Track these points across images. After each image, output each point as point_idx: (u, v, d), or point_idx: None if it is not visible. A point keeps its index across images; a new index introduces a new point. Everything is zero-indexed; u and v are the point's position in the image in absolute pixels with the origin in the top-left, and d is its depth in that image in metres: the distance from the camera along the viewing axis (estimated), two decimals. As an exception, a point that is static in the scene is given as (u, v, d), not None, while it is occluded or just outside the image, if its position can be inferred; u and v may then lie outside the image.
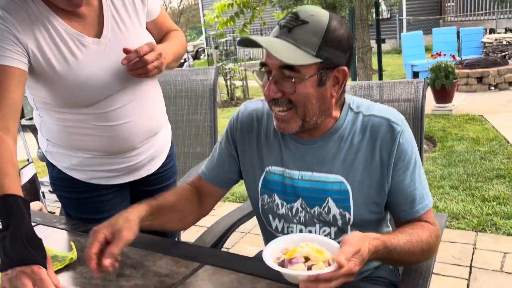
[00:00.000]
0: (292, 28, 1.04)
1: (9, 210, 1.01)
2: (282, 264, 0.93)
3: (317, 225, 1.19)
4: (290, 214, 1.21)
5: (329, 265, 0.90)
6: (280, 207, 1.22)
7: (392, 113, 1.16)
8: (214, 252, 1.21)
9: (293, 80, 1.05)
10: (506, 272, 2.44)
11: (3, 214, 1.01)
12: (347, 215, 1.15)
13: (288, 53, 1.03)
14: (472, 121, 5.58)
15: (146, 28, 1.49)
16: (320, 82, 1.07)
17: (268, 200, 1.24)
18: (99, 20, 1.35)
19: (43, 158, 3.99)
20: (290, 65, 1.03)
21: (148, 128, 1.47)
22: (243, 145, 1.28)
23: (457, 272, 2.48)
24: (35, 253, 0.98)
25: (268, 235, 1.28)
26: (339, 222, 1.16)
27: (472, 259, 2.60)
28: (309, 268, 0.90)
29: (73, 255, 1.19)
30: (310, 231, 1.19)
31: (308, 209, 1.19)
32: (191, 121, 2.46)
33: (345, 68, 1.09)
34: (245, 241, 3.08)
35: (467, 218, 3.09)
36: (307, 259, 0.92)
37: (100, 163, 1.44)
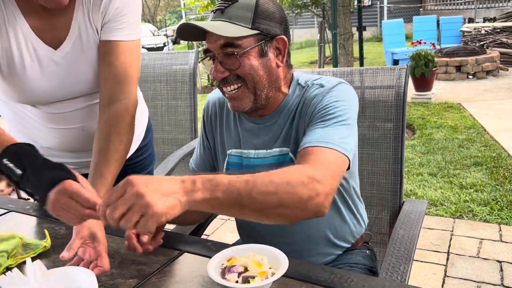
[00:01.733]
0: (224, 9, 1.09)
1: (18, 156, 1.01)
2: (223, 270, 0.93)
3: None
4: None
5: (267, 278, 0.90)
6: None
7: (327, 79, 1.17)
8: (194, 239, 1.18)
9: (235, 53, 1.08)
10: (483, 258, 2.48)
11: (15, 161, 1.00)
12: None
13: (225, 29, 1.06)
14: (451, 109, 5.65)
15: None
16: (262, 53, 1.11)
17: None
18: (66, 27, 1.22)
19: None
20: (230, 41, 1.06)
21: None
22: (211, 132, 1.33)
23: (435, 258, 2.51)
24: (58, 171, 0.98)
25: (239, 221, 1.33)
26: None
27: (450, 245, 2.64)
28: (245, 279, 0.89)
29: (47, 243, 1.15)
30: None
31: None
32: (170, 107, 2.41)
33: (284, 37, 1.14)
34: (225, 228, 3.06)
35: (445, 205, 3.14)
36: (247, 269, 0.92)
37: (57, 155, 1.39)
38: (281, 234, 1.23)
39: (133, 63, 1.24)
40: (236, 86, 1.12)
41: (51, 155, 1.38)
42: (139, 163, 1.56)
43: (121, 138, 1.18)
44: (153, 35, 16.63)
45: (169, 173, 2.07)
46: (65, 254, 0.97)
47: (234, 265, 0.93)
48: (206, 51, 1.13)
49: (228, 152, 1.26)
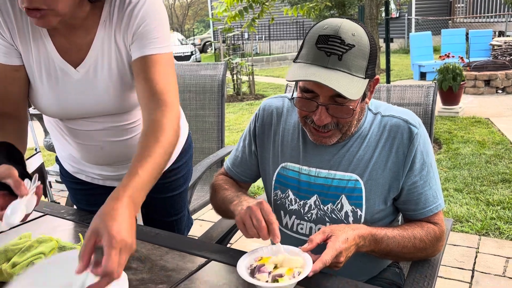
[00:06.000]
0: (341, 55, 1.04)
1: None
2: (253, 270, 1.00)
3: (327, 223, 1.20)
4: (302, 211, 1.23)
5: (294, 277, 0.96)
6: (293, 203, 1.24)
7: (410, 115, 1.18)
8: (220, 248, 1.22)
9: (350, 107, 1.08)
10: (508, 277, 2.44)
11: None
12: (359, 212, 1.17)
13: (347, 86, 1.04)
14: (479, 124, 5.56)
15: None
16: (363, 98, 1.12)
17: (281, 195, 1.26)
18: (88, 46, 1.23)
19: (49, 147, 4.00)
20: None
21: (123, 154, 1.39)
22: (262, 140, 1.32)
23: (460, 275, 2.48)
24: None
25: None
26: (351, 219, 1.18)
27: (475, 263, 2.60)
28: (274, 278, 0.96)
29: (81, 246, 1.20)
30: (319, 229, 1.20)
31: (321, 206, 1.21)
32: (199, 116, 2.47)
33: (378, 76, 1.15)
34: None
35: (470, 222, 3.09)
36: (276, 268, 1.00)
37: (85, 165, 1.46)
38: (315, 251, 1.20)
39: (168, 75, 1.21)
40: (330, 128, 1.13)
41: (82, 165, 1.46)
42: (170, 183, 1.56)
43: (157, 138, 1.08)
44: (181, 43, 16.89)
45: (195, 182, 2.12)
46: (80, 267, 0.84)
47: (263, 265, 0.99)
48: (306, 90, 1.10)
49: (283, 165, 1.26)
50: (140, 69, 1.21)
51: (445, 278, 2.46)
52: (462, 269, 2.54)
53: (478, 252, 2.72)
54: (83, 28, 1.21)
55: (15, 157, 1.15)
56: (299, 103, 1.13)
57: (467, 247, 2.78)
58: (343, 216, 1.18)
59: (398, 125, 1.16)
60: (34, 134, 3.09)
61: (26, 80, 1.26)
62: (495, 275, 2.47)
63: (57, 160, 1.57)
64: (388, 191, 1.17)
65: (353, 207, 1.18)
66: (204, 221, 3.29)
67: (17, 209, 1.03)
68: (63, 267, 0.94)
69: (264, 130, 1.32)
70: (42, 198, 2.38)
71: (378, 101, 1.25)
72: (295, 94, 1.16)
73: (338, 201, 1.18)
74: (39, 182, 1.11)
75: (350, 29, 1.05)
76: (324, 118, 1.09)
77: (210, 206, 3.26)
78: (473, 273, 2.50)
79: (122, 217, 0.89)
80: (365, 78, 1.08)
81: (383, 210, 1.19)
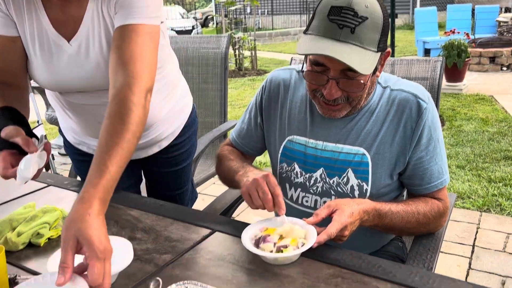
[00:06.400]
0: (354, 28, 1.01)
1: None
2: (257, 241, 1.00)
3: (333, 197, 1.20)
4: (307, 184, 1.22)
5: (298, 248, 0.97)
6: (298, 176, 1.23)
7: (420, 89, 1.16)
8: (225, 219, 1.22)
9: (361, 81, 1.06)
10: (509, 253, 2.46)
11: None
12: (365, 186, 1.16)
13: (360, 60, 1.02)
14: (482, 101, 5.53)
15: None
16: (374, 72, 1.09)
17: (287, 168, 1.25)
18: (80, 19, 1.20)
19: (51, 120, 3.99)
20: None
21: None
22: (268, 113, 1.31)
23: (460, 250, 2.50)
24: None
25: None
26: (356, 193, 1.17)
27: (476, 238, 2.62)
28: (279, 249, 0.97)
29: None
30: (325, 202, 1.20)
31: (327, 179, 1.20)
32: (201, 90, 2.45)
33: (389, 49, 1.12)
34: (250, 211, 3.11)
35: (472, 198, 3.10)
36: (280, 239, 1.00)
37: (86, 138, 1.45)
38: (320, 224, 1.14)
39: (144, 47, 1.11)
40: (340, 102, 1.11)
41: (80, 136, 1.46)
42: (173, 158, 1.55)
43: (123, 121, 0.99)
44: (182, 17, 16.67)
45: (198, 156, 2.12)
46: (60, 280, 0.76)
47: (269, 235, 0.99)
48: (316, 64, 1.07)
49: (289, 138, 1.25)
50: (115, 38, 1.13)
51: (446, 253, 2.48)
52: (463, 244, 2.56)
53: (479, 228, 2.73)
54: (76, 0, 1.19)
55: (20, 121, 1.14)
56: (309, 77, 1.11)
57: (468, 223, 2.79)
58: (349, 190, 1.18)
59: (407, 99, 1.15)
60: (36, 108, 3.08)
61: (24, 51, 1.25)
62: (496, 250, 2.49)
63: (60, 131, 1.57)
64: (395, 166, 1.17)
65: (359, 181, 1.17)
66: (206, 195, 3.30)
67: (30, 163, 1.05)
68: None
69: (271, 102, 1.30)
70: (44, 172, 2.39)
71: (387, 74, 1.23)
72: (305, 67, 1.13)
73: (344, 175, 1.18)
74: (46, 140, 1.12)
75: (363, 0, 1.03)
76: (334, 92, 1.07)
77: (212, 180, 3.29)
78: (473, 248, 2.52)
79: (97, 223, 0.83)
80: (377, 52, 1.05)
81: (389, 184, 1.19)
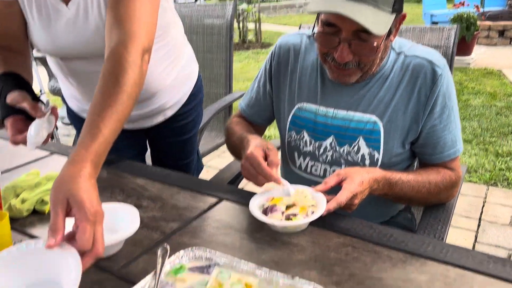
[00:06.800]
0: None
1: None
2: (265, 211, 0.97)
3: (343, 166, 1.17)
4: (317, 152, 1.19)
5: (307, 216, 0.94)
6: (308, 144, 1.20)
7: (435, 55, 1.12)
8: (232, 188, 1.20)
9: (374, 44, 1.01)
10: (515, 226, 2.45)
11: None
12: (376, 155, 1.14)
13: (373, 20, 0.97)
14: (490, 76, 5.45)
15: None
16: (388, 34, 1.05)
17: (296, 137, 1.22)
18: None
19: (54, 91, 3.95)
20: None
21: None
22: (277, 80, 1.26)
23: (466, 224, 2.49)
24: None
25: (290, 174, 1.27)
26: (367, 162, 1.14)
27: (482, 212, 2.60)
28: (288, 217, 0.94)
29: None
30: (334, 170, 1.17)
31: (337, 148, 1.17)
32: (206, 60, 2.39)
33: (405, 12, 1.07)
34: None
35: (479, 172, 3.07)
36: (289, 207, 0.97)
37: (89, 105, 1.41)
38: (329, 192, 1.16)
39: (142, 5, 1.04)
40: (351, 66, 1.07)
41: (83, 103, 1.43)
42: (179, 128, 1.52)
43: (117, 81, 0.93)
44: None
45: (203, 127, 2.08)
46: (51, 242, 0.72)
47: (275, 205, 0.97)
48: (328, 24, 1.02)
49: (299, 105, 1.22)
50: None
51: (452, 227, 2.47)
52: (469, 217, 2.55)
53: (485, 202, 2.72)
54: None
55: (24, 86, 1.11)
56: (320, 38, 1.06)
57: (475, 196, 2.77)
58: (360, 159, 1.15)
59: (421, 65, 1.10)
60: (39, 78, 3.04)
61: (23, 15, 1.20)
62: (502, 224, 2.47)
63: (63, 99, 1.54)
64: (407, 134, 1.13)
65: (370, 149, 1.14)
66: (211, 168, 3.29)
67: (40, 128, 1.03)
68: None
69: (280, 69, 1.26)
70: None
71: (402, 39, 1.18)
72: (316, 29, 1.09)
73: (355, 143, 1.15)
74: (53, 104, 1.09)
75: None
76: (345, 55, 1.03)
77: (217, 153, 3.27)
78: (480, 222, 2.51)
79: (89, 186, 0.77)
80: (392, 13, 1.01)
81: (400, 154, 1.16)
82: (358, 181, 1.00)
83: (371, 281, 0.80)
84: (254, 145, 1.05)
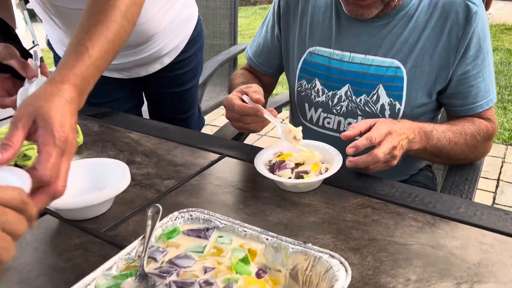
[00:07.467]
0: None
1: None
2: (272, 167, 0.86)
3: (359, 118, 1.04)
4: (330, 103, 1.06)
5: (321, 173, 0.83)
6: (320, 94, 1.07)
7: None
8: (235, 143, 1.08)
9: None
10: (535, 187, 2.33)
11: None
12: (397, 105, 1.00)
13: None
14: (509, 32, 5.23)
15: None
16: None
17: (307, 86, 1.09)
18: None
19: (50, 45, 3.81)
20: None
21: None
22: (287, 21, 1.13)
23: (484, 185, 2.37)
24: None
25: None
26: (387, 113, 1.01)
27: (500, 172, 2.48)
28: (298, 175, 0.83)
29: (79, 139, 1.08)
30: (349, 124, 1.04)
31: (353, 98, 1.03)
32: (209, 8, 2.23)
33: None
34: (265, 137, 2.98)
35: (498, 131, 2.93)
36: (298, 164, 0.85)
37: None
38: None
39: None
40: None
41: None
42: (177, 76, 1.40)
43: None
44: None
45: (206, 80, 1.95)
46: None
47: (284, 161, 0.85)
48: None
49: (311, 49, 1.08)
50: None
51: (468, 187, 2.36)
52: (487, 178, 2.43)
53: (504, 161, 2.59)
54: None
55: (9, 35, 0.98)
56: None
57: (493, 156, 2.65)
58: (378, 110, 1.02)
59: (453, 2, 0.95)
60: (31, 27, 2.89)
61: None
62: (521, 185, 2.36)
63: (48, 44, 1.40)
64: (435, 82, 0.99)
65: (391, 99, 1.00)
66: (215, 126, 3.17)
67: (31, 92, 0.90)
68: None
69: (290, 9, 1.12)
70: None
71: None
72: None
73: (374, 92, 1.01)
74: (41, 55, 0.97)
75: None
76: None
77: (221, 111, 3.13)
78: (498, 182, 2.39)
79: (65, 109, 0.61)
80: None
81: (425, 104, 1.02)
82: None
83: (394, 247, 0.69)
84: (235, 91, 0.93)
